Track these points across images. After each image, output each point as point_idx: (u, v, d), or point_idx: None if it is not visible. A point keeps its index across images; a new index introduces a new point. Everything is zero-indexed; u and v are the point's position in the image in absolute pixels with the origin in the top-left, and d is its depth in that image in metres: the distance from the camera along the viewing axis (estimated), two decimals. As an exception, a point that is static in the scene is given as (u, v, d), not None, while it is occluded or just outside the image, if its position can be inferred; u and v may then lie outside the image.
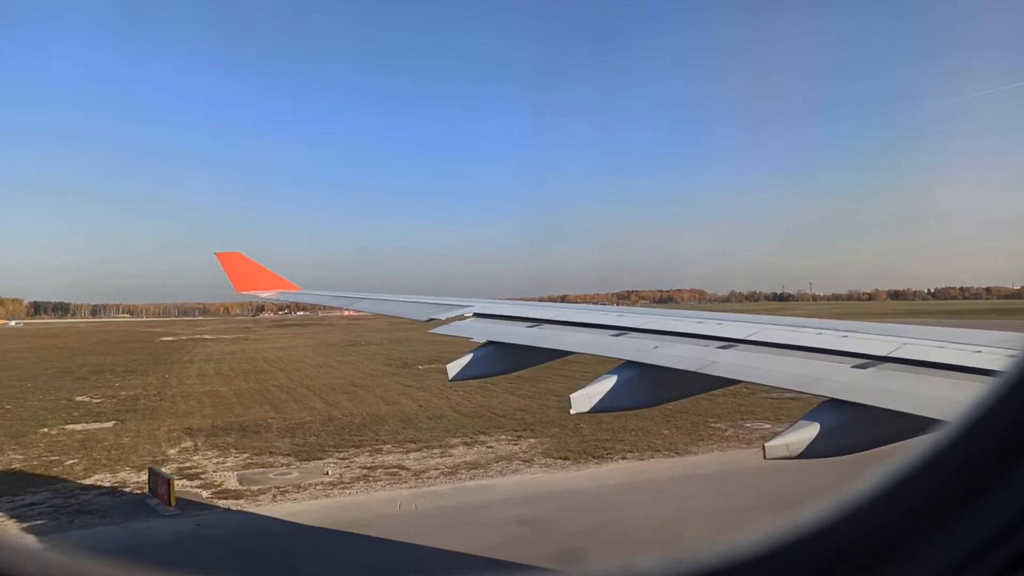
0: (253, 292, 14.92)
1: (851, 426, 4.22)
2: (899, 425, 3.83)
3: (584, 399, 5.89)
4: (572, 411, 5.91)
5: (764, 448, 4.35)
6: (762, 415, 27.51)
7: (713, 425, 25.86)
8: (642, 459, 21.17)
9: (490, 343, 7.69)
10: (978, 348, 4.20)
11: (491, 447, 23.10)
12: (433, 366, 50.31)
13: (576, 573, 1.49)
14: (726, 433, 24.59)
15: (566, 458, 21.28)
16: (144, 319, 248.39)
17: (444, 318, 9.11)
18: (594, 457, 21.36)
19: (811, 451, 4.28)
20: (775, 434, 4.39)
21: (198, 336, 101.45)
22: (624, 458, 21.28)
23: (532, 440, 23.90)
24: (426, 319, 9.39)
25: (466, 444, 23.50)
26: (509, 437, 24.51)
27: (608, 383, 5.91)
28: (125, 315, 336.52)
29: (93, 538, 15.10)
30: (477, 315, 8.81)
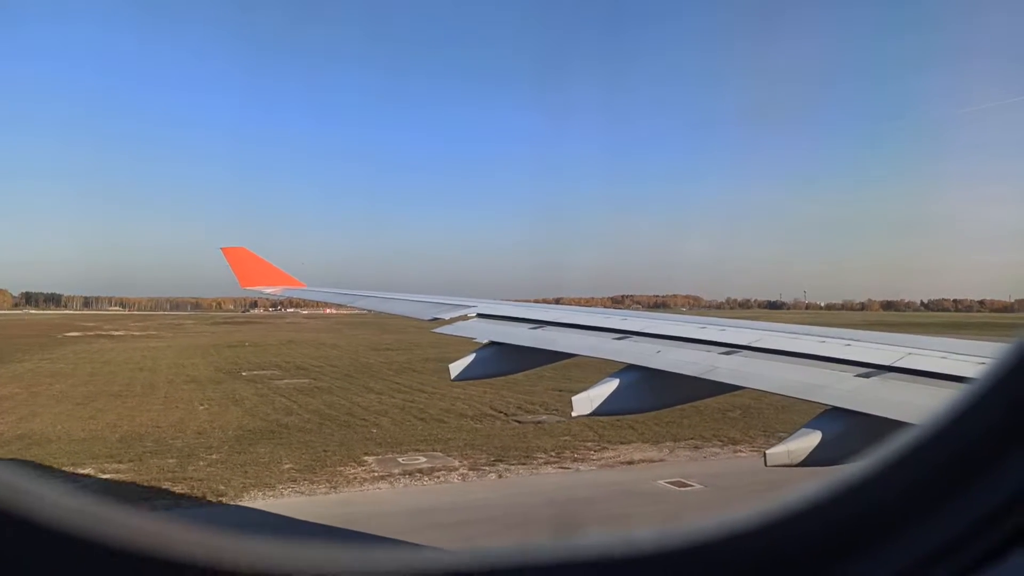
0: (258, 287, 14.73)
1: (852, 435, 4.20)
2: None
3: (586, 402, 5.88)
4: (573, 414, 5.90)
5: (765, 455, 4.40)
6: (455, 445, 23.47)
7: (363, 458, 21.72)
8: (168, 509, 17.16)
9: (493, 343, 7.69)
10: (981, 360, 4.13)
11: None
12: (266, 372, 46.92)
13: (572, 544, 1.08)
14: (355, 471, 20.41)
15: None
16: (117, 312, 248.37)
17: (447, 318, 9.06)
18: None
19: (812, 459, 4.30)
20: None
21: (110, 332, 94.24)
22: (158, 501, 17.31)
23: (117, 475, 20.12)
24: (430, 318, 9.35)
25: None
26: (98, 469, 20.74)
27: (610, 386, 5.90)
28: (117, 307, 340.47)
29: None
30: (480, 315, 8.77)
